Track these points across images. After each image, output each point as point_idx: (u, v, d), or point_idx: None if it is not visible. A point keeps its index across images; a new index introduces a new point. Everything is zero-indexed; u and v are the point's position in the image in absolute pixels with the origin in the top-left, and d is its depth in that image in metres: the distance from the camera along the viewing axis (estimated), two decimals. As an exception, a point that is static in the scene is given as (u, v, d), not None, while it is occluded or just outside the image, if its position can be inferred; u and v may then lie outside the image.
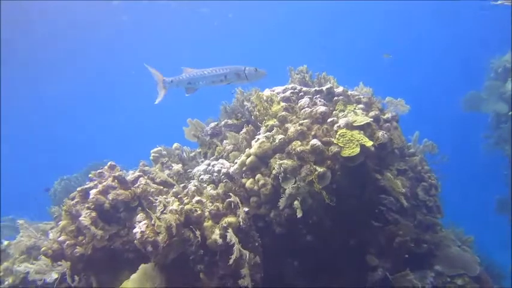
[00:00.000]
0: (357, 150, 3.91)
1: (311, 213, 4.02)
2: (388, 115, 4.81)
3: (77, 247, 4.26)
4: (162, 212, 4.07)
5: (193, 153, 5.87)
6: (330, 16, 32.76)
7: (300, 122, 4.34)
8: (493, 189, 14.65)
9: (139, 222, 4.11)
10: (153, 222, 3.83)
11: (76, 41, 23.28)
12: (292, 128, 4.30)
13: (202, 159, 5.56)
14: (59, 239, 4.38)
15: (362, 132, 4.23)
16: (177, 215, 3.81)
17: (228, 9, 28.42)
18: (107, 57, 27.76)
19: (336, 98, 4.80)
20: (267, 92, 5.08)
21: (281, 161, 4.02)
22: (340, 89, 4.92)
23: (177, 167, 5.13)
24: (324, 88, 4.92)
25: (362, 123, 4.23)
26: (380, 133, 4.34)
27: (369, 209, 4.75)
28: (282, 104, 4.71)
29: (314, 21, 33.47)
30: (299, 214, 3.85)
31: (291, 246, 4.37)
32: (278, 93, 5.09)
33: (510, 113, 12.26)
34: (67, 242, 4.31)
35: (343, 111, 4.64)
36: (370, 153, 4.10)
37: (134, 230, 3.84)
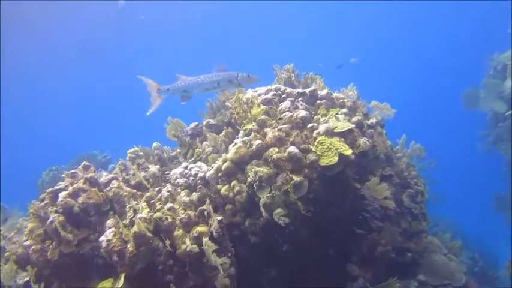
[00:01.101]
0: (335, 159, 3.84)
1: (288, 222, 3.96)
2: (372, 120, 4.74)
3: (44, 252, 4.19)
4: (131, 219, 4.01)
5: (174, 153, 5.78)
6: (334, 14, 33.01)
7: (279, 127, 4.26)
8: (492, 186, 14.73)
9: (108, 228, 4.05)
10: (120, 230, 3.76)
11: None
12: (270, 134, 4.22)
13: (182, 159, 5.48)
14: (25, 243, 4.30)
15: (342, 139, 4.15)
16: (145, 223, 3.74)
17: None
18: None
19: (318, 101, 4.72)
20: (248, 94, 4.99)
21: (257, 169, 3.95)
22: (324, 92, 4.83)
23: (153, 168, 5.05)
24: (307, 91, 4.83)
25: (343, 130, 4.16)
26: (362, 140, 4.27)
27: (351, 217, 4.70)
28: (262, 106, 4.62)
29: (316, 19, 33.73)
30: (282, 222, 3.77)
31: (267, 256, 4.32)
32: (260, 94, 5.00)
33: (509, 112, 12.18)
34: (33, 247, 4.23)
35: (325, 115, 4.56)
36: (350, 162, 4.03)
37: (100, 238, 3.78)
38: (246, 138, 4.32)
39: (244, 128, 4.49)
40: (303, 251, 4.28)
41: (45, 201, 4.65)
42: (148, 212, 3.91)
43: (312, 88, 4.84)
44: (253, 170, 3.96)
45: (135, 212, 3.98)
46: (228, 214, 4.21)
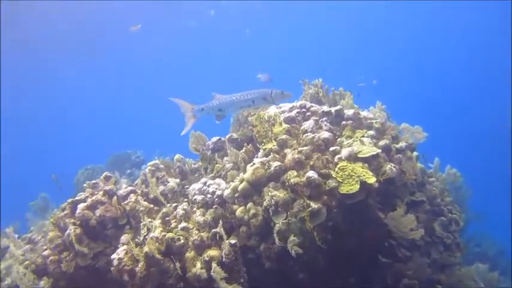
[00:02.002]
0: (356, 187, 3.69)
1: (302, 252, 3.84)
2: (401, 144, 4.52)
3: (60, 264, 4.31)
4: (144, 237, 4.03)
5: (196, 165, 5.80)
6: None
7: (300, 148, 4.16)
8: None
9: (122, 245, 4.10)
10: (132, 248, 3.79)
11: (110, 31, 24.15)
12: (290, 156, 4.12)
13: (203, 172, 5.49)
14: (44, 253, 4.45)
15: (366, 165, 3.99)
16: (157, 244, 3.76)
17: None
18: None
19: (344, 122, 4.57)
20: (271, 111, 4.92)
21: (273, 192, 3.86)
22: (350, 112, 4.67)
23: (172, 183, 5.08)
24: (333, 110, 4.69)
25: (367, 155, 3.99)
26: (388, 166, 4.08)
27: (374, 245, 4.50)
28: (284, 125, 4.54)
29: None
30: (295, 252, 3.67)
31: (282, 282, 4.22)
32: (284, 112, 4.91)
33: None
34: (51, 257, 4.38)
35: (350, 137, 4.40)
36: (373, 190, 3.86)
37: (112, 256, 3.83)
38: (264, 158, 4.25)
39: (264, 147, 4.42)
40: (321, 280, 4.14)
41: (66, 212, 4.80)
42: (161, 231, 3.92)
43: (338, 107, 4.69)
44: (269, 193, 3.88)
45: (149, 230, 4.00)
46: (243, 236, 4.14)
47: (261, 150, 4.46)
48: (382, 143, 4.35)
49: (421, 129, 4.89)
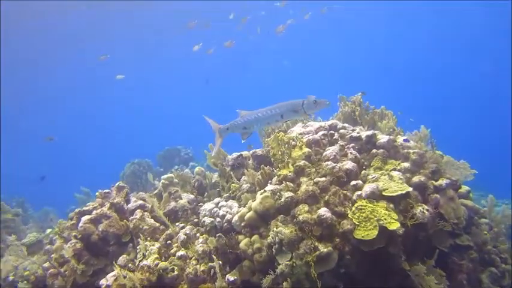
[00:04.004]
0: (374, 233, 3.28)
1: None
2: (442, 181, 3.98)
3: (57, 279, 4.32)
4: (139, 262, 3.92)
5: (215, 180, 5.65)
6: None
7: (316, 179, 3.81)
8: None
9: (117, 268, 4.01)
10: (123, 275, 3.69)
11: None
12: (304, 186, 3.80)
13: (220, 189, 5.32)
14: (44, 265, 4.49)
15: (392, 205, 3.56)
16: (148, 273, 3.62)
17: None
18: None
19: (375, 150, 4.14)
20: (293, 132, 4.61)
21: (279, 229, 3.56)
22: (385, 138, 4.22)
23: (183, 201, 4.94)
24: (363, 135, 4.27)
25: (394, 194, 3.56)
26: (419, 209, 3.61)
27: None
28: (305, 149, 4.20)
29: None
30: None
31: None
32: (309, 133, 4.57)
33: None
34: (50, 270, 4.40)
35: (380, 169, 3.97)
36: (395, 237, 3.43)
37: (101, 282, 3.74)
38: (276, 187, 3.95)
39: (278, 173, 4.13)
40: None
41: (72, 222, 4.83)
42: (155, 258, 3.78)
43: (369, 132, 4.27)
44: (275, 228, 3.59)
45: (144, 256, 3.88)
46: (246, 271, 3.88)
47: (275, 176, 4.17)
48: (416, 179, 3.87)
49: (467, 165, 4.30)
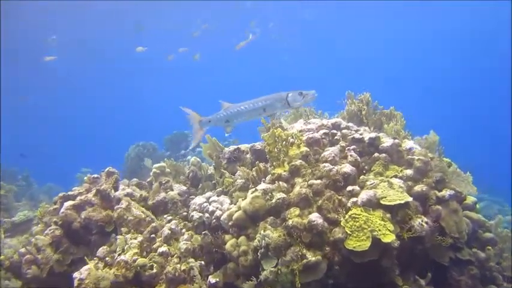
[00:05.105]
0: (366, 244, 3.12)
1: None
2: (445, 192, 3.79)
3: (32, 266, 4.22)
4: (117, 256, 3.81)
5: (211, 172, 5.52)
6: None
7: (310, 182, 3.65)
8: None
9: (94, 260, 3.91)
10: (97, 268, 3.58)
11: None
12: (297, 188, 3.64)
13: (216, 182, 5.18)
14: (20, 250, 4.39)
15: (389, 215, 3.39)
16: (125, 269, 3.50)
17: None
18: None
19: (377, 154, 3.95)
20: (294, 129, 4.44)
21: (266, 232, 3.42)
22: (388, 142, 4.04)
23: (173, 193, 4.81)
24: (366, 137, 4.09)
25: (392, 203, 3.39)
26: (418, 221, 3.44)
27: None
28: (303, 148, 4.03)
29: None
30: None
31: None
32: (309, 130, 4.39)
33: None
34: (27, 256, 4.30)
35: (381, 175, 3.80)
36: (390, 250, 3.27)
37: (74, 275, 3.63)
38: (268, 186, 3.80)
39: (273, 171, 3.97)
40: None
41: (55, 206, 4.73)
42: (135, 253, 3.66)
43: (373, 135, 4.08)
44: (262, 232, 3.44)
45: (123, 250, 3.77)
46: (230, 274, 3.76)
47: (269, 175, 4.01)
48: (418, 188, 3.69)
49: (470, 179, 4.11)
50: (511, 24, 28.40)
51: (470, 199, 4.39)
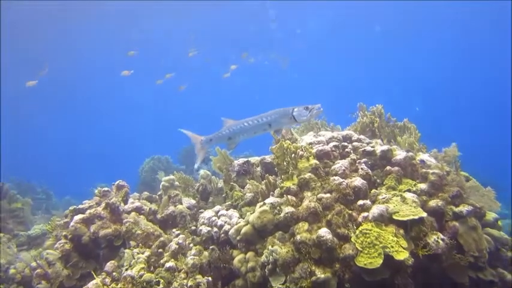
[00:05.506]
0: (378, 261, 3.00)
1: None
2: (463, 208, 3.63)
3: (42, 281, 4.22)
4: (125, 270, 3.77)
5: (221, 185, 5.48)
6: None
7: (320, 195, 3.56)
8: None
9: (102, 275, 3.88)
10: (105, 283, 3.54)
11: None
12: (306, 202, 3.55)
13: (225, 196, 5.14)
14: (32, 264, 4.41)
15: (402, 231, 3.26)
16: (131, 285, 3.46)
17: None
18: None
19: (389, 167, 3.84)
20: (303, 142, 4.38)
21: (274, 248, 3.33)
22: (401, 155, 3.92)
23: (181, 206, 4.77)
24: (378, 150, 3.99)
25: (405, 219, 3.26)
26: (433, 238, 3.30)
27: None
28: (312, 161, 3.95)
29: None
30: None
31: None
32: (320, 142, 4.32)
33: None
34: (37, 270, 4.30)
35: (393, 189, 3.68)
36: (403, 268, 3.13)
37: (81, 288, 3.60)
38: (277, 200, 3.72)
39: (281, 185, 3.89)
40: None
41: (66, 220, 4.74)
42: (141, 268, 3.61)
43: (385, 147, 3.98)
44: (269, 247, 3.36)
45: (130, 264, 3.73)
46: (238, 291, 3.67)
47: (278, 188, 3.94)
48: (433, 203, 3.55)
49: (493, 194, 3.94)
50: (511, 24, 28.40)
51: (491, 215, 4.20)
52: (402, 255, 3.04)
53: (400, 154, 3.95)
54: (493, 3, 25.65)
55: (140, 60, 20.22)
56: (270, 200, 3.78)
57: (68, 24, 23.40)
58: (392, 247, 3.07)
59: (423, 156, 4.15)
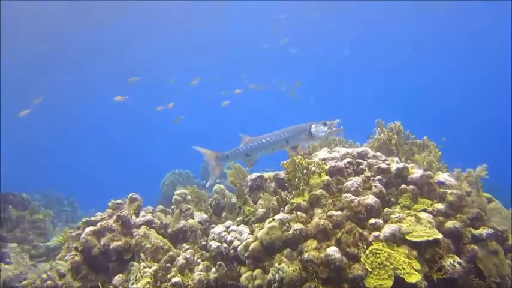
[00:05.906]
0: (388, 284, 2.86)
1: None
2: (483, 231, 3.45)
3: (53, 291, 4.23)
4: (131, 284, 3.74)
5: (235, 200, 5.43)
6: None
7: (331, 212, 3.45)
8: None
9: (114, 286, 3.87)
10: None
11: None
12: (316, 219, 3.46)
13: (238, 209, 5.09)
14: (42, 276, 4.43)
15: (415, 252, 3.12)
16: (135, 299, 3.41)
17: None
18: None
19: (404, 186, 3.71)
20: (316, 157, 4.30)
21: (281, 265, 3.24)
22: (418, 173, 3.79)
23: (192, 221, 4.73)
24: (393, 167, 3.87)
25: (419, 239, 3.12)
26: (450, 261, 3.13)
27: None
28: (325, 177, 3.86)
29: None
30: None
31: None
32: (333, 158, 4.23)
33: None
34: (48, 282, 4.32)
35: (408, 208, 3.54)
36: (416, 292, 2.98)
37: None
38: (286, 216, 3.64)
39: (291, 201, 3.81)
40: None
41: (78, 232, 4.77)
42: (147, 283, 3.58)
43: (401, 165, 3.85)
44: (276, 265, 3.26)
45: (136, 279, 3.70)
46: (245, 310, 3.57)
47: (288, 204, 3.86)
48: (450, 224, 3.39)
49: (513, 215, 3.74)
50: (511, 24, 28.04)
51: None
52: (414, 278, 2.89)
53: (417, 172, 3.82)
54: (493, 3, 25.55)
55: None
56: (280, 216, 3.70)
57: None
58: (403, 269, 2.93)
59: (443, 175, 4.00)
